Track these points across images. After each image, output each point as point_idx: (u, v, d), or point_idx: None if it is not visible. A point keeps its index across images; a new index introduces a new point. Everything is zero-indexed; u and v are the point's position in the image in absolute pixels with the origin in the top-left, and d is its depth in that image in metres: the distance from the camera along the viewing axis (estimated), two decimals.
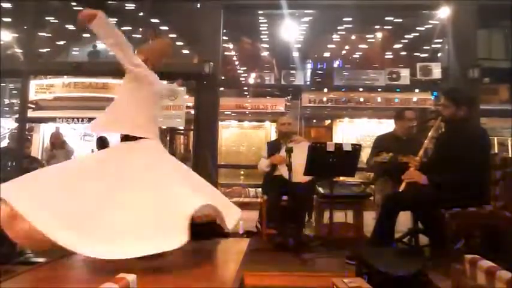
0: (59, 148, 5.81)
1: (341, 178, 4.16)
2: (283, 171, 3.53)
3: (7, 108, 11.16)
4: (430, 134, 2.94)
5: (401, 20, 8.67)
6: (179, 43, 9.43)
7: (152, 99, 2.43)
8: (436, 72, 8.32)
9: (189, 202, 2.00)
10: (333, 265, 2.70)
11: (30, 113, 8.52)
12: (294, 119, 9.51)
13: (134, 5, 8.01)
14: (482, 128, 3.21)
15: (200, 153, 4.62)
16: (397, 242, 3.24)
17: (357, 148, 3.37)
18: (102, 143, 5.23)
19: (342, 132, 11.27)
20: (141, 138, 2.34)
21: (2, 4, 5.84)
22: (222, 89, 6.66)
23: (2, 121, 10.33)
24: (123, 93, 2.47)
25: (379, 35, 10.13)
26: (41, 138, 10.92)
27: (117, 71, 2.54)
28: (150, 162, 2.25)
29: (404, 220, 3.37)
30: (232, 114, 11.28)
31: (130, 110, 2.37)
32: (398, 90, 10.08)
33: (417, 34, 9.29)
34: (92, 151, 6.53)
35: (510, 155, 8.96)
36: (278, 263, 2.78)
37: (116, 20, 8.91)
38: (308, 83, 10.08)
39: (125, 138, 2.40)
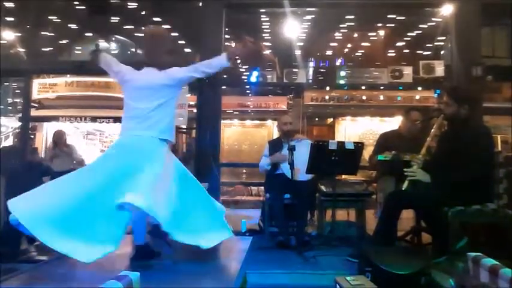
0: (61, 147, 5.82)
1: (343, 176, 4.15)
2: (285, 169, 3.53)
3: (10, 107, 11.21)
4: (432, 132, 2.93)
5: (404, 18, 8.63)
6: (181, 42, 9.43)
7: (135, 95, 2.47)
8: (439, 70, 8.29)
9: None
10: (336, 263, 2.70)
11: (33, 112, 8.56)
12: (296, 118, 9.54)
13: (136, 4, 8.00)
14: (485, 126, 3.20)
15: (202, 152, 4.62)
16: (400, 241, 3.25)
17: (359, 146, 3.36)
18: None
19: (344, 130, 11.24)
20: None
21: (5, 3, 5.86)
22: (224, 87, 6.66)
23: (6, 120, 10.39)
24: None
25: (381, 32, 10.09)
26: (44, 137, 10.97)
27: None
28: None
29: (407, 218, 3.36)
30: (235, 113, 11.28)
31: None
32: (401, 88, 10.06)
33: (420, 32, 9.24)
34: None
35: None
36: (280, 261, 2.79)
37: (118, 18, 8.94)
38: (310, 81, 10.05)
39: None
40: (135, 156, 2.29)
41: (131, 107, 2.44)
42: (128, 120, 2.44)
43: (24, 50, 5.96)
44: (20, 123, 6.05)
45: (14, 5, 6.43)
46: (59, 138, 5.90)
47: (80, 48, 10.61)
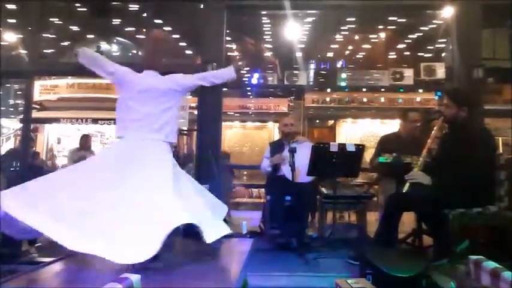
0: (87, 150, 5.96)
1: (344, 178, 4.15)
2: (286, 171, 3.52)
3: (12, 109, 11.23)
4: (433, 134, 2.92)
5: (404, 20, 8.64)
6: (182, 44, 9.44)
7: (139, 98, 2.50)
8: (440, 72, 8.28)
9: (176, 214, 2.10)
10: (336, 266, 2.69)
11: (35, 114, 8.58)
12: (297, 120, 9.54)
13: (137, 6, 8.02)
14: (486, 128, 3.19)
15: (203, 154, 4.62)
16: (401, 243, 3.24)
17: (360, 148, 3.36)
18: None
19: (345, 132, 11.25)
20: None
21: (6, 5, 5.87)
22: (225, 89, 6.64)
23: (7, 122, 10.41)
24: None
25: (382, 35, 10.10)
26: (45, 139, 10.99)
27: None
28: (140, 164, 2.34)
29: (408, 221, 3.36)
30: (236, 115, 11.29)
31: (117, 112, 2.57)
32: (401, 90, 10.06)
33: (421, 34, 9.25)
34: None
35: None
36: (281, 263, 2.78)
37: (120, 20, 8.96)
38: (311, 83, 10.05)
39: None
40: (144, 160, 2.33)
41: (135, 110, 2.47)
42: (131, 123, 2.47)
43: (25, 51, 5.96)
44: (21, 125, 6.05)
45: (15, 7, 6.44)
46: (85, 142, 6.04)
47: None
